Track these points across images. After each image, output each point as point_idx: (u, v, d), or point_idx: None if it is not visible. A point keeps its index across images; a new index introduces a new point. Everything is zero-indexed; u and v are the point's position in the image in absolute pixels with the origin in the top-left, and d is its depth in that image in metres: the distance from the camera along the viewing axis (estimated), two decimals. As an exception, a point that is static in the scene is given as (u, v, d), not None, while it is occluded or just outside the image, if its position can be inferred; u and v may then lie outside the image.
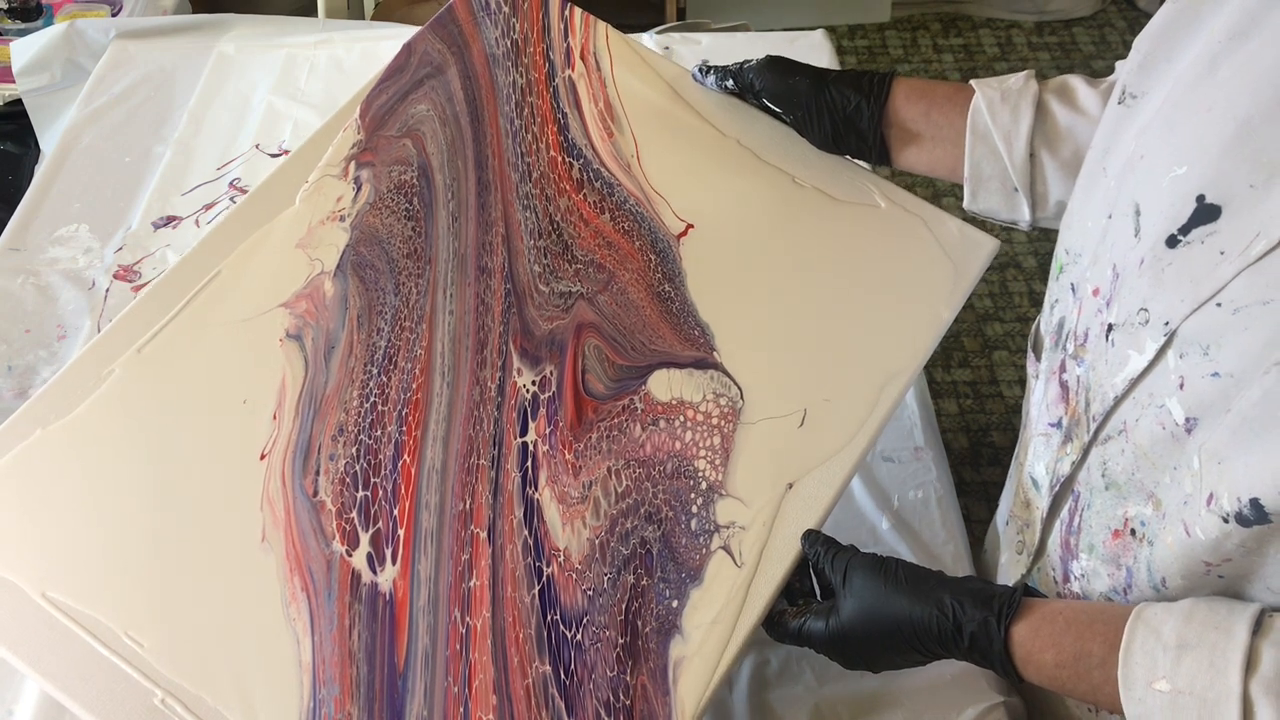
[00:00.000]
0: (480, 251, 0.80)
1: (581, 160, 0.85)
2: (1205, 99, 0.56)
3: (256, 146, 1.18)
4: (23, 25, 1.57)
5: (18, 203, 1.12)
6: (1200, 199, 0.54)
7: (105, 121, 1.21)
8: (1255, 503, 0.50)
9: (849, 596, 0.65)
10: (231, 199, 1.13)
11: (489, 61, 0.90)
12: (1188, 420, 0.55)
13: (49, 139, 1.29)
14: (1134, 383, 0.59)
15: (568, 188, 0.84)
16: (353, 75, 1.28)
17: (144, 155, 1.18)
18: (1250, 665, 0.50)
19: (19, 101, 1.34)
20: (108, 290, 1.04)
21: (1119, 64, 0.75)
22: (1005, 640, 0.60)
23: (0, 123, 1.42)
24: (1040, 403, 0.72)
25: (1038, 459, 0.72)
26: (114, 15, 1.58)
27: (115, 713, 0.63)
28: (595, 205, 0.83)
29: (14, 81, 1.32)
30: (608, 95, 0.89)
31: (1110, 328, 0.61)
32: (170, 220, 1.11)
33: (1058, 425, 0.68)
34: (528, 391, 0.74)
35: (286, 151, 1.18)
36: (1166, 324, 0.55)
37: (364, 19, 1.98)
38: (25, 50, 1.31)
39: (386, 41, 1.32)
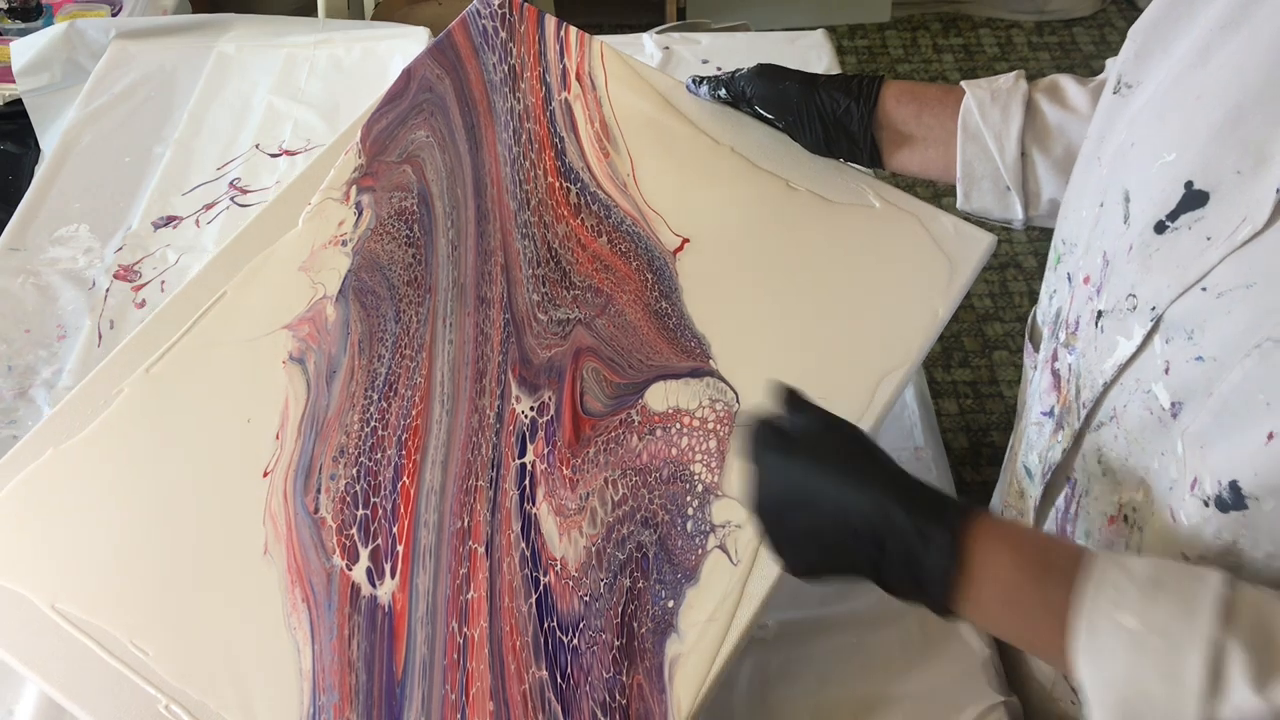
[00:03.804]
0: (479, 281, 0.81)
1: (579, 184, 0.86)
2: (1195, 87, 0.57)
3: (256, 146, 1.18)
4: (23, 25, 1.57)
5: (18, 203, 1.12)
6: (1188, 185, 0.54)
7: (105, 121, 1.21)
8: (1234, 485, 0.50)
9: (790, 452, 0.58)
10: (232, 199, 1.13)
11: (487, 88, 0.91)
12: (1173, 405, 0.55)
13: (49, 139, 1.29)
14: (1122, 368, 0.59)
15: (565, 213, 0.84)
16: (353, 75, 1.28)
17: (144, 155, 1.18)
18: (1225, 610, 0.47)
19: (19, 101, 1.34)
20: (108, 290, 1.04)
21: (1109, 62, 0.76)
22: (952, 558, 0.52)
23: (0, 123, 1.42)
24: (1035, 392, 0.73)
25: (1030, 448, 0.72)
26: (114, 15, 1.58)
27: (121, 719, 0.64)
28: (592, 229, 0.84)
29: (14, 81, 1.32)
30: (603, 115, 0.90)
31: (1100, 314, 0.61)
32: (170, 220, 1.11)
33: (1050, 414, 0.69)
34: (526, 417, 0.75)
35: (287, 151, 1.18)
36: (1153, 309, 0.56)
37: (364, 19, 1.98)
38: (25, 50, 1.31)
39: (386, 41, 1.32)
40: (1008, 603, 0.53)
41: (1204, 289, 0.53)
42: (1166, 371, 0.55)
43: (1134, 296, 0.58)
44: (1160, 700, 0.47)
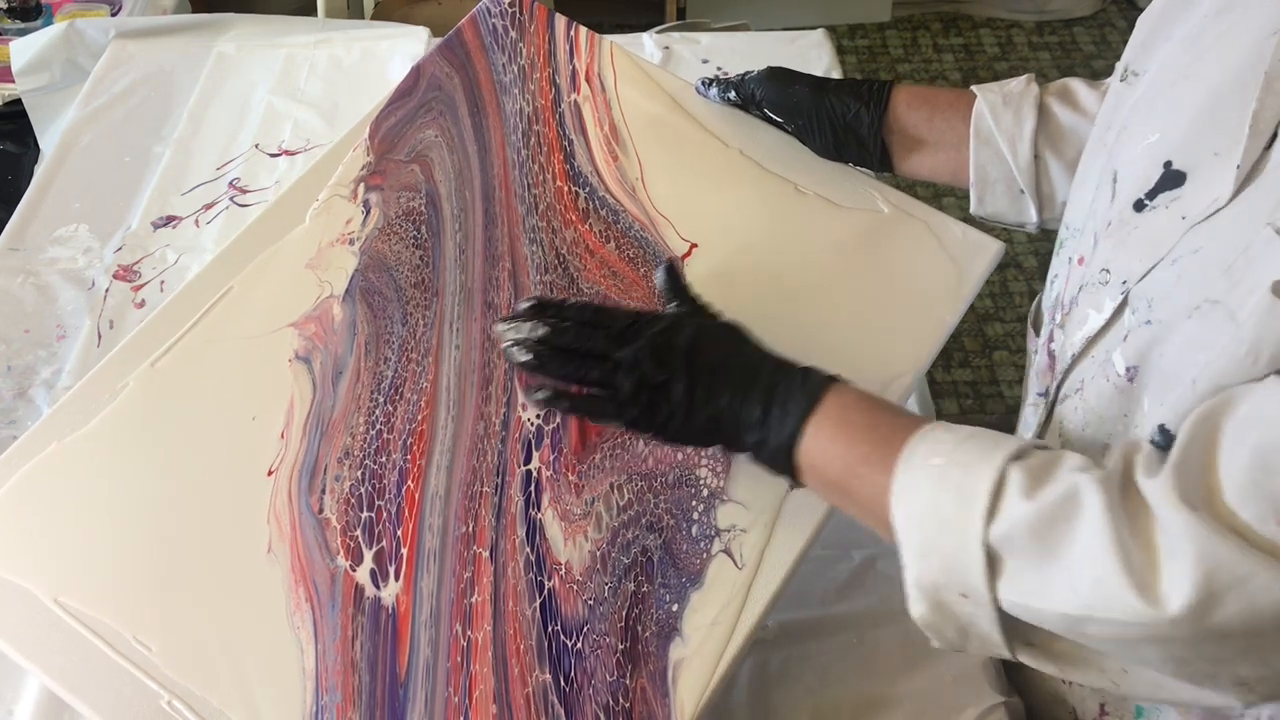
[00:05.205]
0: (486, 286, 0.81)
1: (587, 188, 0.86)
2: (1183, 70, 0.58)
3: (256, 146, 1.18)
4: (22, 25, 1.57)
5: (17, 203, 1.12)
6: (1167, 165, 0.56)
7: (105, 121, 1.21)
8: (1161, 428, 0.53)
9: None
10: (231, 199, 1.13)
11: (496, 88, 0.90)
12: (1128, 370, 0.56)
13: (49, 139, 1.29)
14: (1091, 341, 0.61)
15: (574, 218, 0.84)
16: (352, 75, 1.28)
17: (143, 155, 1.18)
18: (1018, 453, 0.53)
19: (19, 101, 1.33)
20: (107, 290, 1.04)
21: (1119, 65, 0.76)
22: (801, 422, 0.60)
23: (0, 123, 1.42)
24: (1033, 375, 0.74)
25: (1026, 428, 0.74)
26: (113, 15, 1.58)
27: (123, 714, 0.64)
28: (600, 234, 0.83)
29: (14, 81, 1.32)
30: (613, 118, 0.89)
31: (1080, 289, 0.63)
32: (170, 220, 1.11)
33: (1044, 394, 0.70)
34: (532, 424, 0.74)
35: (286, 151, 1.18)
36: (1124, 283, 0.57)
37: (364, 19, 1.98)
38: (25, 50, 1.31)
39: (386, 41, 1.32)
40: (836, 483, 0.59)
41: (1171, 262, 0.55)
42: (1125, 339, 0.57)
43: (1107, 271, 0.59)
44: (952, 520, 0.52)
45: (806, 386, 0.61)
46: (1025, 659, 0.54)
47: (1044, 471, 0.52)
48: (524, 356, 0.65)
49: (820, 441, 0.59)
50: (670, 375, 0.62)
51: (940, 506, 0.53)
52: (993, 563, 0.51)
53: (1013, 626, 0.53)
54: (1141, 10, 0.68)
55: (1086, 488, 0.50)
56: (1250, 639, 0.46)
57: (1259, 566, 0.44)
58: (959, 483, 0.52)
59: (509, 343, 0.65)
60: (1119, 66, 0.67)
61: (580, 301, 0.67)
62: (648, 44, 1.34)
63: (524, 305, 0.67)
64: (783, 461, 0.61)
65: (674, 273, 0.70)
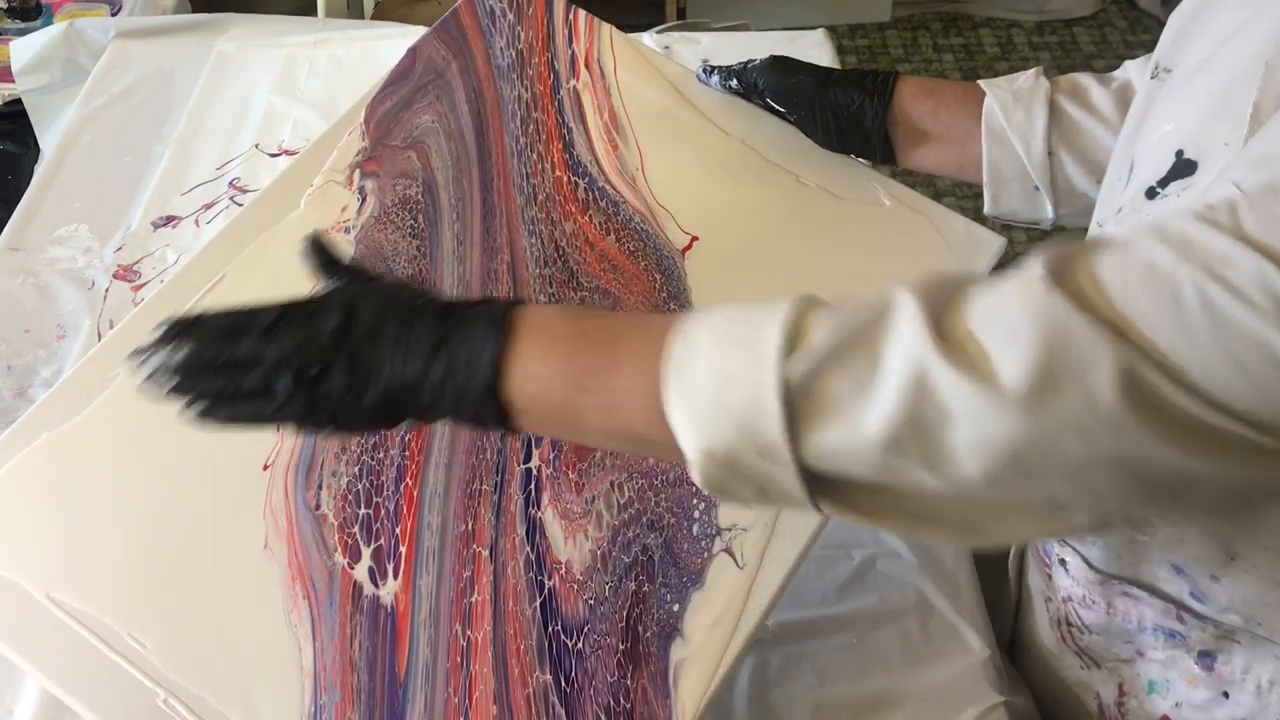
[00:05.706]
0: (485, 279, 0.80)
1: (587, 179, 0.85)
2: (1202, 64, 0.58)
3: (256, 146, 1.18)
4: (22, 25, 1.57)
5: (17, 203, 1.12)
6: (1179, 154, 0.56)
7: (105, 121, 1.21)
8: None
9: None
10: (231, 199, 1.12)
11: (494, 73, 0.89)
12: None
13: (49, 139, 1.29)
14: None
15: (573, 209, 0.83)
16: (352, 75, 1.28)
17: (143, 155, 1.17)
18: (815, 299, 0.49)
19: (19, 101, 1.33)
20: (107, 290, 1.04)
21: (1127, 63, 0.77)
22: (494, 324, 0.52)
23: (0, 122, 1.42)
24: None
25: None
26: (113, 15, 1.58)
27: (118, 713, 0.64)
28: (601, 226, 0.83)
29: (14, 81, 1.32)
30: (612, 105, 0.89)
31: None
32: (170, 220, 1.11)
33: None
34: None
35: (286, 151, 1.17)
36: None
37: (364, 18, 1.98)
38: (25, 50, 1.31)
39: (386, 41, 1.32)
40: (565, 358, 0.52)
41: None
42: None
43: None
44: (742, 372, 0.46)
45: (487, 318, 0.53)
46: (828, 510, 0.49)
47: (826, 309, 0.47)
48: (169, 383, 0.56)
49: (529, 367, 0.52)
50: (326, 360, 0.54)
51: (726, 362, 0.47)
52: (793, 411, 0.46)
53: (817, 479, 0.48)
54: (1142, 10, 0.68)
55: (896, 296, 0.45)
56: (1078, 447, 0.42)
57: (1106, 350, 0.40)
58: (746, 334, 0.47)
59: (147, 374, 0.56)
60: (1150, 63, 0.67)
61: (216, 310, 0.59)
62: (648, 44, 1.33)
63: (155, 331, 0.58)
64: (490, 410, 0.52)
65: (319, 247, 0.62)
